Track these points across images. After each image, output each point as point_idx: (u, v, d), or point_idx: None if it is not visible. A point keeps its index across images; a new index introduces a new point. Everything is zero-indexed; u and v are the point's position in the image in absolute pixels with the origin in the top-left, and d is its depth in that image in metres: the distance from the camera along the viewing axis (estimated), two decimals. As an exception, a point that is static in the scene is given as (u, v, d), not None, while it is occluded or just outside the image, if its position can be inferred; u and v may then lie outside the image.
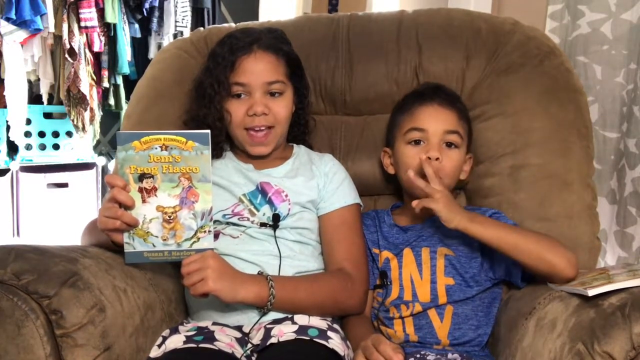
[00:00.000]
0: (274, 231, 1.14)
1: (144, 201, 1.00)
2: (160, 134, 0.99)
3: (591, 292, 0.90)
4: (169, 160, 0.99)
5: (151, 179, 1.00)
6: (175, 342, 1.02)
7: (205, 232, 1.02)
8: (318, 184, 1.20)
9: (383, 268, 1.19)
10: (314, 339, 0.98)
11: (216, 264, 1.01)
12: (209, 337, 1.02)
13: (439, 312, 1.13)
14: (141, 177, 1.00)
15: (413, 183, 1.09)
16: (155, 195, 1.00)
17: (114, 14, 2.83)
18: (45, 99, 2.90)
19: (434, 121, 1.18)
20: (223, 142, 1.23)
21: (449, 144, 1.19)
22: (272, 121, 1.18)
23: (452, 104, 1.22)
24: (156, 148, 0.99)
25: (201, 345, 1.00)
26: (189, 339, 1.02)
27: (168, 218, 1.01)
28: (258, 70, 1.16)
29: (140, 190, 1.00)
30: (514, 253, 1.05)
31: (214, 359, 0.98)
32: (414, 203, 1.08)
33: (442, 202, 1.06)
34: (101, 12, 2.79)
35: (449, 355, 1.05)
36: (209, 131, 1.01)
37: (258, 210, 1.16)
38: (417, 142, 1.19)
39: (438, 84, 1.28)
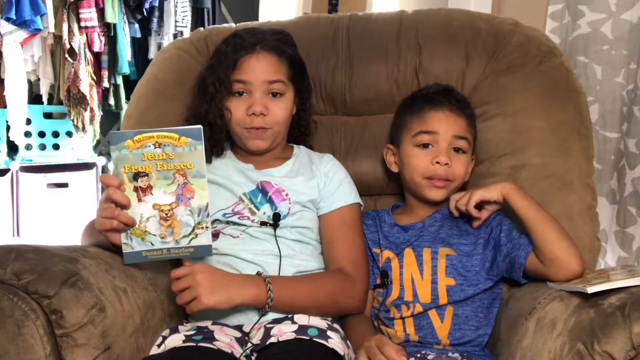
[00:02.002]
0: (274, 230, 1.14)
1: (139, 200, 1.00)
2: (152, 132, 0.99)
3: (590, 290, 0.90)
4: (163, 157, 0.99)
5: (146, 177, 1.00)
6: (175, 341, 1.01)
7: (202, 228, 1.02)
8: (318, 183, 1.21)
9: (384, 268, 1.19)
10: (314, 339, 0.98)
11: (205, 279, 1.00)
12: (209, 336, 1.02)
13: (440, 313, 1.13)
14: (136, 176, 0.99)
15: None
16: (151, 193, 1.00)
17: (114, 14, 2.83)
18: (45, 99, 2.90)
19: (445, 126, 1.18)
20: (223, 140, 1.23)
21: (457, 149, 1.19)
22: (269, 123, 1.18)
23: (462, 110, 1.22)
24: (149, 146, 0.99)
25: (200, 344, 0.99)
26: (188, 338, 1.01)
27: (165, 216, 1.01)
28: (259, 69, 1.17)
29: (136, 189, 1.00)
30: (537, 226, 1.07)
31: (213, 358, 0.98)
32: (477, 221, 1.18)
33: (482, 189, 1.14)
34: (101, 12, 2.79)
35: (450, 355, 1.05)
36: (200, 126, 1.01)
37: (258, 209, 1.16)
38: (425, 146, 1.19)
39: (448, 86, 1.28)
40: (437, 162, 1.17)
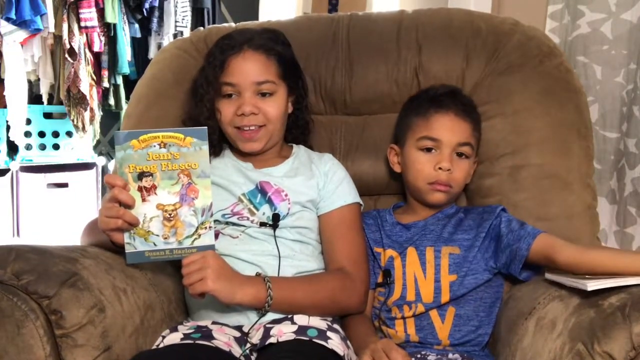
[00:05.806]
0: (274, 231, 1.14)
1: (143, 200, 1.00)
2: (158, 132, 0.99)
3: (590, 287, 0.89)
4: (168, 157, 0.99)
5: (150, 177, 1.00)
6: (173, 339, 1.02)
7: (205, 228, 1.02)
8: (318, 183, 1.20)
9: (387, 267, 1.18)
10: (313, 340, 0.98)
11: (216, 264, 1.01)
12: (207, 335, 1.02)
13: (441, 313, 1.13)
14: (140, 175, 1.00)
15: None
16: (155, 193, 1.00)
17: (114, 14, 2.83)
18: (45, 99, 2.91)
19: (449, 132, 1.18)
20: (217, 140, 1.22)
21: (460, 154, 1.19)
22: (262, 120, 1.17)
23: (468, 114, 1.21)
24: (155, 146, 0.99)
25: (198, 342, 0.99)
26: (186, 336, 1.01)
27: (168, 216, 1.01)
28: (246, 70, 1.16)
29: (140, 189, 1.00)
30: None
31: (210, 355, 0.97)
32: None
33: None
34: (101, 12, 2.79)
35: (450, 356, 1.05)
36: (206, 127, 1.01)
37: (258, 210, 1.15)
38: (428, 150, 1.19)
39: (455, 88, 1.27)
40: (440, 168, 1.17)
